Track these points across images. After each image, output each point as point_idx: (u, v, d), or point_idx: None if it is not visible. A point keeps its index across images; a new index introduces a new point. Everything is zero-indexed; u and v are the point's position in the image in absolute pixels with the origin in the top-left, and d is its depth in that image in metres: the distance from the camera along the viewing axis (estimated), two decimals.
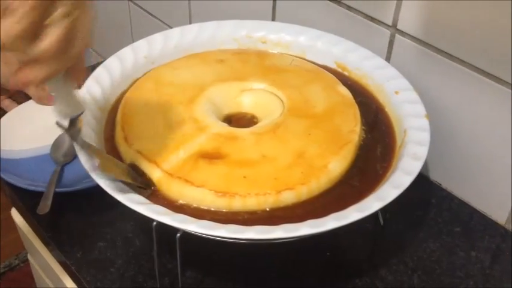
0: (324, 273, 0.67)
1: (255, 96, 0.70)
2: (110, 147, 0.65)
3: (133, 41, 0.78)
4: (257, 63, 0.75)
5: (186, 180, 0.59)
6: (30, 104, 0.90)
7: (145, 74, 0.74)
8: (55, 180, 0.74)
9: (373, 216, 0.71)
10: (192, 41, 0.79)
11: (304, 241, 0.55)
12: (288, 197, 0.58)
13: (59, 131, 0.73)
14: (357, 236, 0.72)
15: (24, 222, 0.84)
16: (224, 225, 0.53)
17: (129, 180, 0.59)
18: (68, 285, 0.78)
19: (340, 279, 0.66)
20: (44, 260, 0.85)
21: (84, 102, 0.55)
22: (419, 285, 0.65)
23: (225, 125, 0.66)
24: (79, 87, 0.49)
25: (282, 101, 0.69)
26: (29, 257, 0.99)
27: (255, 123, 0.68)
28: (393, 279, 0.66)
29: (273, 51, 0.80)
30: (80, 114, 0.53)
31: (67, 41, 0.41)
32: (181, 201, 0.59)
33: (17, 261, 1.73)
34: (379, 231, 0.72)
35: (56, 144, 0.81)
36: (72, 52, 0.42)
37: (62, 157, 0.80)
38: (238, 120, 0.69)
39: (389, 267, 0.67)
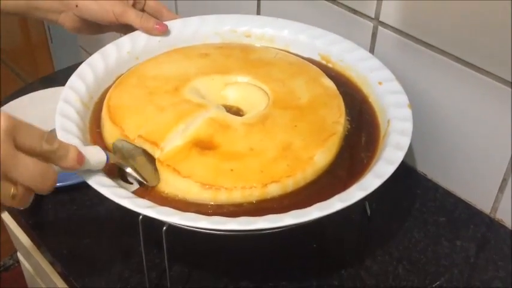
0: (310, 265, 0.67)
1: (239, 90, 0.71)
2: (95, 143, 0.65)
3: None
4: (241, 57, 0.75)
5: (174, 169, 0.59)
6: (24, 99, 0.90)
7: (129, 69, 0.74)
8: None
9: (360, 206, 0.72)
10: (176, 36, 0.79)
11: (291, 232, 0.56)
12: (274, 190, 0.58)
13: (51, 126, 0.73)
14: (343, 227, 0.72)
15: (12, 220, 0.84)
16: (207, 217, 0.54)
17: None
18: (56, 282, 0.78)
19: (326, 270, 0.66)
20: (33, 258, 0.85)
21: (102, 154, 0.57)
22: (404, 275, 0.66)
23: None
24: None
25: (266, 93, 0.69)
26: (19, 255, 0.99)
27: (241, 116, 0.68)
28: (378, 269, 0.66)
29: (257, 45, 0.80)
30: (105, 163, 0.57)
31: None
32: (167, 192, 0.59)
33: (11, 261, 1.73)
34: (365, 221, 0.72)
35: None
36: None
37: None
38: None
39: (374, 258, 0.68)
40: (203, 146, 0.62)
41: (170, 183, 0.59)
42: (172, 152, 0.61)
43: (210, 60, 0.74)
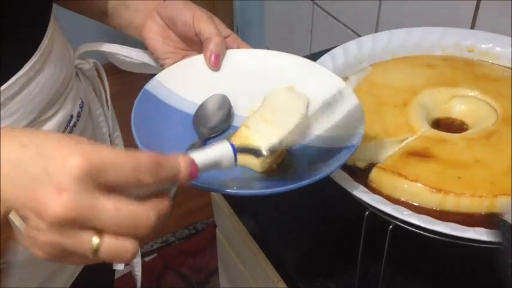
0: None
1: (466, 103, 0.72)
2: None
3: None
4: (467, 70, 0.76)
5: (400, 174, 0.61)
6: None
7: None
8: None
9: None
10: (399, 45, 0.82)
11: None
12: (504, 203, 0.59)
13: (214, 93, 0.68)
14: None
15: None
16: (444, 222, 0.55)
17: None
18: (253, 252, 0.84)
19: None
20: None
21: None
22: None
23: (436, 131, 0.68)
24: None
25: (495, 110, 0.69)
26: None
27: (465, 129, 0.70)
28: None
29: (480, 61, 0.80)
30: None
31: None
32: (392, 196, 0.61)
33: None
34: None
35: (203, 112, 0.66)
36: None
37: (207, 129, 0.64)
38: (446, 125, 0.71)
39: None
40: (419, 155, 0.63)
41: (397, 187, 0.61)
42: (389, 160, 0.64)
43: (437, 71, 0.76)
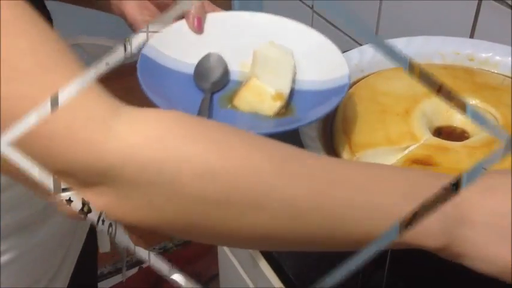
0: None
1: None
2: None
3: None
4: (467, 79, 0.77)
5: None
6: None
7: (358, 82, 0.78)
8: (207, 110, 0.66)
9: None
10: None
11: None
12: None
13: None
14: None
15: None
16: None
17: None
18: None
19: None
20: None
21: None
22: None
23: (438, 139, 0.69)
24: None
25: (496, 118, 0.70)
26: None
27: (466, 137, 0.70)
28: None
29: (480, 69, 0.81)
30: None
31: None
32: None
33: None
34: None
35: (202, 69, 0.72)
36: None
37: (210, 84, 0.70)
38: (448, 133, 0.72)
39: None
40: (422, 163, 0.64)
41: None
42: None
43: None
